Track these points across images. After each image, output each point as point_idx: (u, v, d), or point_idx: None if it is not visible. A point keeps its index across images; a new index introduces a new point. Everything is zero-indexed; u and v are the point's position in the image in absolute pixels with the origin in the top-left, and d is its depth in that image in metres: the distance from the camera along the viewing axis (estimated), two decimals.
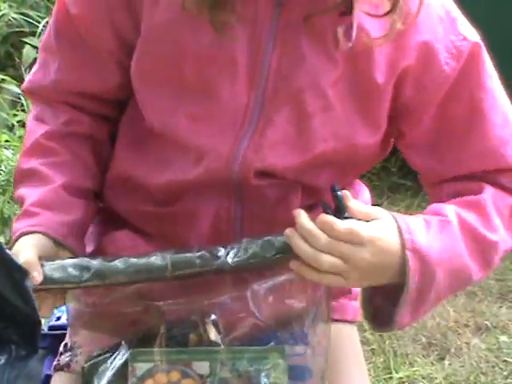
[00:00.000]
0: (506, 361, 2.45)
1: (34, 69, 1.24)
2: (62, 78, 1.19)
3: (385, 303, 1.10)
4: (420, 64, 1.13)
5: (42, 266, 1.05)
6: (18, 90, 3.02)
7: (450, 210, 1.11)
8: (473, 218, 1.12)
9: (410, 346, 2.49)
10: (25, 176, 1.18)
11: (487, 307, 2.68)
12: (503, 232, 1.15)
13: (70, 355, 1.19)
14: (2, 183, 2.64)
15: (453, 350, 2.47)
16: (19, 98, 3.03)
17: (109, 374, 1.08)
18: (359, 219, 1.03)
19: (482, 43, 1.15)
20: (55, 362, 1.22)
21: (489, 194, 1.15)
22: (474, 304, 2.69)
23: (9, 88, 3.07)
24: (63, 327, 1.28)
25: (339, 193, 1.03)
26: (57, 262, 1.06)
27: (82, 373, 1.11)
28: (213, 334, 1.08)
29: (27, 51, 3.29)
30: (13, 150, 2.78)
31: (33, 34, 3.43)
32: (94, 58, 1.17)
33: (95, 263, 1.06)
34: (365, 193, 1.35)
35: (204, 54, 1.10)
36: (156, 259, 1.06)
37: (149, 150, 1.19)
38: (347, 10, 1.07)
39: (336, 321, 1.24)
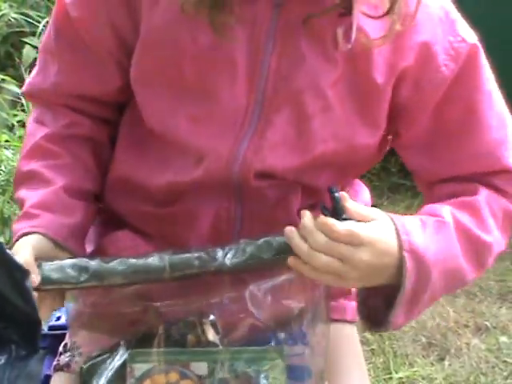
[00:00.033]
0: (505, 361, 2.45)
1: (33, 71, 1.24)
2: (61, 80, 1.19)
3: (379, 303, 1.10)
4: (418, 65, 1.13)
5: (41, 266, 1.06)
6: (18, 90, 3.02)
7: (446, 210, 1.11)
8: (467, 219, 1.12)
9: (409, 346, 2.49)
10: (25, 178, 1.18)
11: (487, 308, 2.68)
12: (497, 233, 1.15)
13: (70, 355, 1.19)
14: (2, 183, 2.64)
15: (453, 351, 2.47)
16: (19, 98, 3.03)
17: (107, 374, 1.08)
18: (357, 220, 1.03)
19: (480, 45, 1.16)
20: (55, 362, 1.22)
21: (483, 195, 1.15)
22: (473, 304, 2.69)
23: (9, 88, 3.07)
24: (63, 327, 1.28)
25: (337, 194, 1.03)
26: (55, 262, 1.06)
27: (80, 373, 1.11)
28: (211, 335, 1.08)
29: (27, 51, 3.29)
30: (13, 150, 2.78)
31: (33, 33, 3.43)
32: (94, 61, 1.17)
33: (93, 264, 1.06)
34: (365, 193, 1.35)
35: (203, 55, 1.10)
36: (154, 260, 1.06)
37: (149, 151, 1.19)
38: (346, 10, 1.07)
39: (336, 321, 1.24)
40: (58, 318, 1.34)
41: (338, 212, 1.03)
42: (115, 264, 1.06)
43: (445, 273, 1.08)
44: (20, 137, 2.82)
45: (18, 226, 1.12)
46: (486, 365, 2.42)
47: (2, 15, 3.50)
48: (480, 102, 1.16)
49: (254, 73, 1.10)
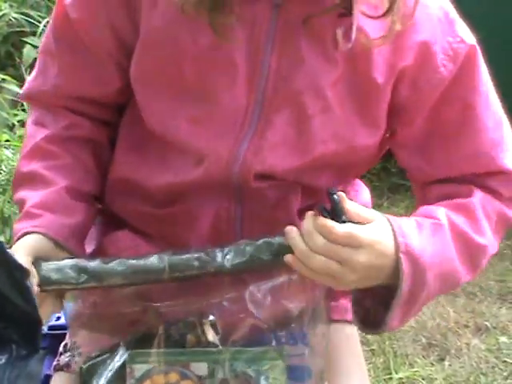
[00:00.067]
0: (505, 361, 2.45)
1: (32, 73, 1.24)
2: (61, 82, 1.19)
3: (374, 305, 1.10)
4: (417, 64, 1.13)
5: (40, 266, 1.05)
6: (18, 90, 3.02)
7: (441, 212, 1.11)
8: (462, 221, 1.12)
9: (409, 346, 2.49)
10: (25, 179, 1.18)
11: (487, 308, 2.68)
12: (491, 236, 1.15)
13: (70, 355, 1.19)
14: (2, 183, 2.64)
15: (453, 351, 2.47)
16: (19, 98, 3.02)
17: (107, 375, 1.08)
18: (356, 222, 1.03)
19: (478, 46, 1.16)
20: (55, 362, 1.22)
21: (478, 197, 1.15)
22: (473, 305, 2.69)
23: (9, 88, 3.07)
24: (63, 327, 1.28)
25: (335, 196, 1.03)
26: (55, 262, 1.06)
27: (80, 373, 1.11)
28: (210, 335, 1.08)
29: (28, 51, 3.29)
30: (13, 149, 2.78)
31: (33, 33, 3.43)
32: (94, 62, 1.17)
33: (93, 265, 1.06)
34: (365, 193, 1.35)
35: (203, 56, 1.10)
36: (153, 261, 1.05)
37: (149, 152, 1.19)
38: (346, 11, 1.07)
39: (336, 321, 1.24)
40: (58, 318, 1.34)
41: (337, 214, 1.03)
42: (114, 265, 1.06)
43: (440, 275, 1.09)
44: (20, 136, 2.82)
45: (19, 226, 1.12)
46: (486, 365, 2.42)
47: (3, 15, 3.50)
48: (477, 102, 1.16)
49: (254, 73, 1.10)
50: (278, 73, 1.10)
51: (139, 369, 1.06)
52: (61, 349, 1.23)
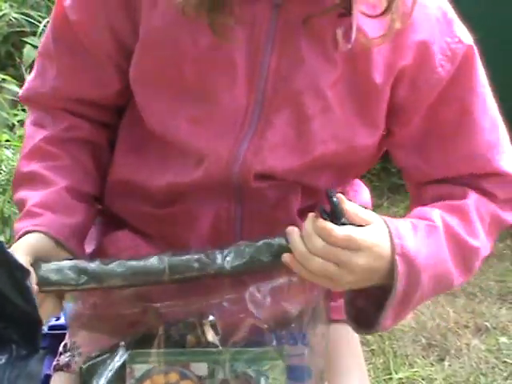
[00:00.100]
0: (505, 362, 2.45)
1: (31, 75, 1.23)
2: (60, 84, 1.19)
3: (367, 305, 1.10)
4: (416, 64, 1.13)
5: (40, 267, 1.05)
6: (18, 90, 3.01)
7: (436, 214, 1.11)
8: (456, 223, 1.12)
9: (409, 346, 2.49)
10: (25, 179, 1.18)
11: (487, 308, 2.68)
12: (484, 238, 1.15)
13: (70, 355, 1.19)
14: (2, 183, 2.64)
15: (453, 351, 2.47)
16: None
17: (107, 375, 1.07)
18: (355, 223, 1.03)
19: (475, 47, 1.16)
20: (55, 362, 1.22)
21: (472, 199, 1.15)
22: (473, 305, 2.69)
23: (9, 88, 3.07)
24: (63, 327, 1.28)
25: (335, 199, 1.03)
26: (54, 263, 1.06)
27: (79, 373, 1.11)
28: (210, 336, 1.08)
29: (28, 51, 3.29)
30: (13, 149, 2.78)
31: (33, 33, 3.42)
32: (93, 64, 1.17)
33: (93, 266, 1.06)
34: (364, 193, 1.35)
35: (203, 57, 1.10)
36: (153, 262, 1.05)
37: (149, 153, 1.19)
38: (346, 11, 1.07)
39: (336, 321, 1.24)
40: (58, 318, 1.34)
41: (336, 216, 1.02)
42: (114, 266, 1.05)
43: (434, 276, 1.09)
44: (20, 136, 2.82)
45: (20, 225, 1.12)
46: (486, 365, 2.42)
47: (3, 15, 3.49)
48: (474, 103, 1.16)
49: (254, 73, 1.10)
50: (277, 73, 1.10)
51: (139, 369, 1.06)
52: (60, 349, 1.23)
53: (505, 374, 2.40)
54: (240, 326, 1.09)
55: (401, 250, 1.04)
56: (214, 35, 1.07)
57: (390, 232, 1.05)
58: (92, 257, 1.20)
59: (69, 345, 1.21)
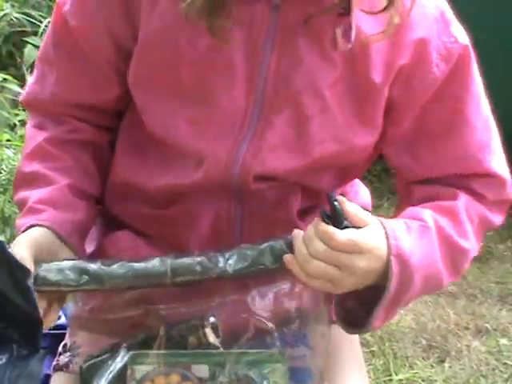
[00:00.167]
0: (506, 363, 2.44)
1: (31, 80, 1.24)
2: (60, 90, 1.19)
3: (357, 305, 1.10)
4: (413, 62, 1.13)
5: (40, 267, 1.05)
6: (19, 90, 3.01)
7: (428, 215, 1.12)
8: (447, 224, 1.13)
9: (409, 348, 2.48)
10: (26, 179, 1.18)
11: (487, 310, 2.68)
12: (473, 239, 1.16)
13: (70, 355, 1.19)
14: (3, 182, 2.64)
15: (453, 353, 2.46)
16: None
17: (108, 376, 1.07)
18: (355, 224, 1.03)
19: (471, 47, 1.16)
20: (54, 362, 1.22)
21: (462, 200, 1.16)
22: (474, 307, 2.68)
23: (10, 87, 3.06)
24: (63, 327, 1.28)
25: (336, 203, 1.02)
26: (55, 263, 1.06)
27: (80, 372, 1.11)
28: (211, 337, 1.07)
29: (29, 51, 3.29)
30: (14, 149, 2.78)
31: (35, 33, 3.43)
32: (93, 69, 1.17)
33: (94, 267, 1.05)
34: (364, 193, 1.35)
35: (201, 59, 1.10)
36: (155, 265, 1.05)
37: (148, 154, 1.19)
38: (345, 10, 1.07)
39: (336, 322, 1.24)
40: (58, 318, 1.34)
41: (338, 220, 1.02)
42: (116, 267, 1.05)
43: (425, 277, 1.09)
44: (21, 136, 2.82)
45: (22, 221, 1.12)
46: (487, 367, 2.42)
47: (4, 15, 3.49)
48: (468, 103, 1.16)
49: (253, 74, 1.10)
50: (277, 73, 1.10)
51: (140, 370, 1.05)
52: (60, 349, 1.23)
53: (505, 376, 2.39)
54: (243, 328, 1.09)
55: (396, 250, 1.05)
56: (213, 37, 1.07)
57: (386, 233, 1.05)
58: (92, 257, 1.20)
59: (69, 345, 1.21)
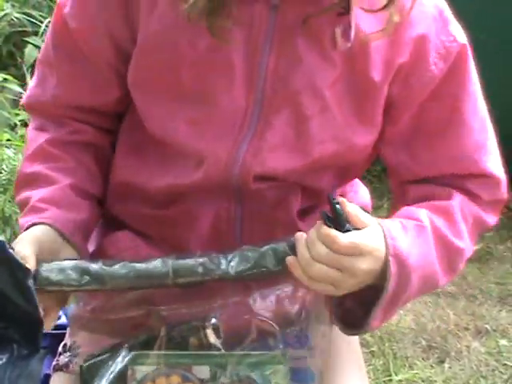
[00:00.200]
0: (505, 364, 2.44)
1: (31, 84, 1.24)
2: (60, 92, 1.19)
3: (355, 306, 1.10)
4: (412, 61, 1.13)
5: (41, 266, 1.05)
6: (20, 90, 3.02)
7: (423, 214, 1.12)
8: (443, 224, 1.13)
9: (409, 348, 2.48)
10: (28, 180, 1.18)
11: (487, 311, 2.68)
12: (467, 239, 1.16)
13: (70, 355, 1.19)
14: (4, 182, 2.64)
15: (453, 354, 2.46)
16: (21, 98, 3.03)
17: (109, 376, 1.07)
18: (356, 227, 1.03)
19: (469, 46, 1.16)
20: (54, 363, 1.21)
21: (457, 200, 1.16)
22: (474, 307, 2.68)
23: (11, 87, 3.07)
24: (63, 327, 1.28)
25: (338, 206, 1.02)
26: (56, 263, 1.06)
27: (80, 372, 1.10)
28: (212, 338, 1.07)
29: (29, 51, 3.29)
30: (14, 149, 2.78)
31: (35, 33, 3.43)
32: (93, 71, 1.17)
33: (95, 267, 1.05)
34: (364, 193, 1.35)
35: (201, 59, 1.10)
36: (157, 265, 1.05)
37: (149, 155, 1.19)
38: (344, 10, 1.07)
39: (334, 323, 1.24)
40: (59, 318, 1.34)
41: (340, 223, 1.02)
42: (118, 267, 1.05)
43: (422, 277, 1.09)
44: (22, 136, 2.82)
45: (25, 220, 1.12)
46: (486, 368, 2.42)
47: (5, 15, 3.50)
48: (465, 102, 1.16)
49: (252, 74, 1.10)
50: (276, 73, 1.10)
51: (141, 371, 1.05)
52: (60, 349, 1.23)
53: (505, 377, 2.40)
54: (245, 329, 1.08)
55: (393, 251, 1.05)
56: (213, 37, 1.07)
57: (384, 233, 1.05)
58: (92, 257, 1.20)
59: (69, 345, 1.21)
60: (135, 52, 1.13)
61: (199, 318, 1.08)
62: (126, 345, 1.08)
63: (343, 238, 1.01)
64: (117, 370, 1.06)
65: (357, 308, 1.10)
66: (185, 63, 1.11)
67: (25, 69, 3.14)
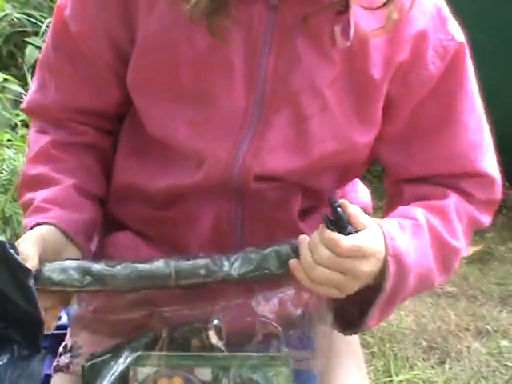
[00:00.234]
0: (506, 365, 2.44)
1: (32, 88, 1.24)
2: (62, 95, 1.19)
3: (351, 305, 1.09)
4: (411, 58, 1.13)
5: (43, 266, 1.05)
6: (20, 90, 3.02)
7: (420, 213, 1.12)
8: (439, 223, 1.13)
9: (410, 349, 2.48)
10: (32, 182, 1.18)
11: (488, 311, 2.68)
12: (462, 238, 1.16)
13: (71, 356, 1.19)
14: (4, 182, 2.64)
15: (453, 354, 2.46)
16: (22, 98, 3.03)
17: (110, 377, 1.06)
18: (357, 228, 1.03)
19: (466, 44, 1.16)
20: (55, 363, 1.21)
21: (453, 200, 1.16)
22: (474, 308, 2.68)
23: (11, 88, 3.07)
24: (64, 327, 1.28)
25: (339, 209, 1.02)
26: (58, 263, 1.06)
27: (81, 371, 1.10)
28: (215, 340, 1.07)
29: (30, 51, 3.30)
30: (15, 149, 2.78)
31: (36, 33, 3.43)
32: (93, 73, 1.17)
33: (97, 267, 1.05)
34: (364, 194, 1.35)
35: (200, 59, 1.10)
36: (160, 266, 1.05)
37: (149, 157, 1.19)
38: (343, 8, 1.07)
39: None
40: (59, 318, 1.34)
41: (342, 226, 1.02)
42: (120, 268, 1.05)
43: (419, 276, 1.09)
44: (22, 136, 2.83)
45: (29, 220, 1.12)
46: (487, 368, 2.42)
47: (5, 15, 3.50)
48: (462, 101, 1.16)
49: (252, 75, 1.10)
50: (275, 74, 1.10)
51: (143, 372, 1.05)
52: (61, 349, 1.23)
53: (506, 378, 2.39)
54: (248, 330, 1.08)
55: (393, 250, 1.05)
56: (212, 36, 1.07)
57: (383, 234, 1.05)
58: (92, 258, 1.20)
59: (70, 345, 1.20)
60: (134, 52, 1.13)
61: (201, 319, 1.07)
62: (129, 346, 1.08)
63: (346, 242, 1.01)
64: (118, 371, 1.06)
65: (353, 308, 1.09)
66: (184, 63, 1.11)
67: (25, 69, 3.15)
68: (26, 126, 2.78)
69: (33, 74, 1.26)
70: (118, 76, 1.17)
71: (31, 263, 1.03)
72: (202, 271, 1.04)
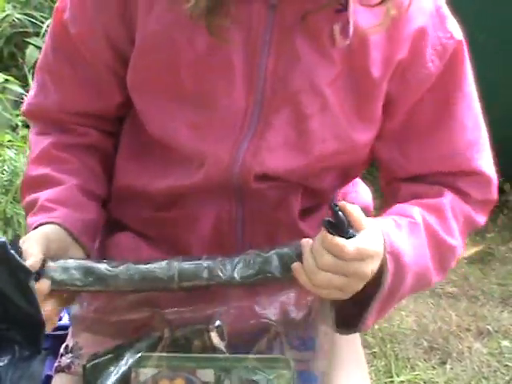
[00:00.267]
0: (507, 365, 2.44)
1: (31, 91, 1.24)
2: (61, 98, 1.19)
3: (348, 305, 1.09)
4: (410, 56, 1.13)
5: (45, 265, 1.05)
6: (21, 91, 3.03)
7: (416, 211, 1.12)
8: (435, 221, 1.13)
9: (411, 349, 2.48)
10: (34, 183, 1.18)
11: (489, 312, 2.67)
12: (459, 237, 1.16)
13: (72, 357, 1.19)
14: (5, 183, 2.64)
15: (454, 355, 2.46)
16: (22, 99, 3.03)
17: (112, 378, 1.06)
18: (358, 229, 1.02)
19: (465, 43, 1.16)
20: (56, 364, 1.21)
21: (448, 198, 1.16)
22: (475, 308, 2.68)
23: (12, 88, 3.07)
24: (65, 328, 1.28)
25: (340, 213, 1.01)
26: (60, 262, 1.05)
27: (83, 372, 1.10)
28: (216, 341, 1.07)
29: (30, 52, 3.30)
30: (16, 150, 2.78)
31: (36, 34, 3.43)
32: (93, 75, 1.17)
33: (100, 267, 1.05)
34: (365, 193, 1.35)
35: (200, 60, 1.10)
36: (163, 268, 1.04)
37: (149, 158, 1.19)
38: (343, 6, 1.07)
39: None
40: (60, 319, 1.34)
41: (344, 230, 1.01)
42: (123, 269, 1.04)
43: (416, 274, 1.10)
44: (23, 137, 2.83)
45: (33, 219, 1.12)
46: (488, 369, 2.42)
47: (6, 16, 3.50)
48: (459, 100, 1.16)
49: (252, 75, 1.10)
50: (275, 74, 1.10)
51: (145, 373, 1.05)
52: (62, 350, 1.23)
53: (507, 378, 2.39)
54: (250, 332, 1.08)
55: (390, 248, 1.05)
56: (211, 36, 1.07)
57: (382, 234, 1.05)
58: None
59: (71, 346, 1.20)
60: (134, 53, 1.13)
61: (203, 320, 1.07)
62: (130, 347, 1.07)
63: (350, 246, 1.00)
64: (120, 372, 1.06)
65: (350, 307, 1.09)
66: (183, 63, 1.11)
67: (26, 70, 3.15)
68: (27, 126, 2.78)
69: (33, 74, 1.25)
70: (117, 77, 1.17)
71: (33, 259, 1.02)
72: (205, 274, 1.04)
